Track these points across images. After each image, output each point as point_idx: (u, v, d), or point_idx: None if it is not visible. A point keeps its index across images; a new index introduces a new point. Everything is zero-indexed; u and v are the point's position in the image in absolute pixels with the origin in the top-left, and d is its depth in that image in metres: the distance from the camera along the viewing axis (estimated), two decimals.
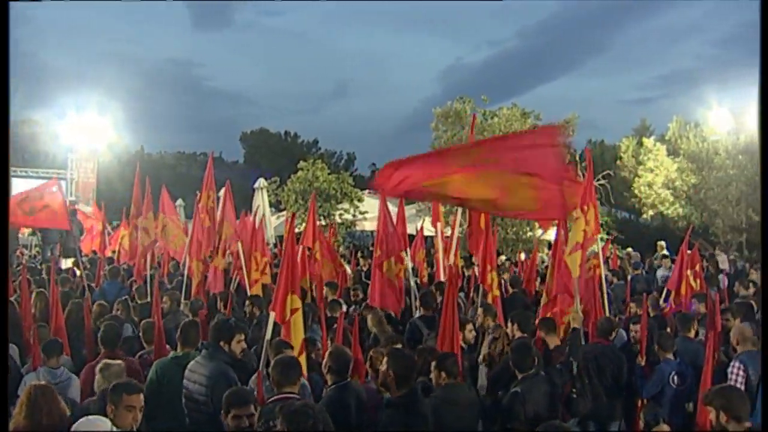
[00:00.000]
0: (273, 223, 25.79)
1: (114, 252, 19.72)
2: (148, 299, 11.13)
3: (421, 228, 16.31)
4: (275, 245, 22.43)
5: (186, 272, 13.65)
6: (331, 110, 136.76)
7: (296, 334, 7.22)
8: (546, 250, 20.14)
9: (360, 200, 28.12)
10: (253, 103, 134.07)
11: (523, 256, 20.80)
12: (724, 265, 18.69)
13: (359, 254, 21.52)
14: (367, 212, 27.08)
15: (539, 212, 8.88)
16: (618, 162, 31.95)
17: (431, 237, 18.75)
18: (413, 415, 5.40)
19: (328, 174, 28.55)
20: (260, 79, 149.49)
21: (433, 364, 6.33)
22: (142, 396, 5.17)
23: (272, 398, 5.51)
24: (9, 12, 6.05)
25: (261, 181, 25.53)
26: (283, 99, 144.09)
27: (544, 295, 9.57)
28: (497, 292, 10.60)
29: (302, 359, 6.99)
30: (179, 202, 24.37)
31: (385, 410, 5.55)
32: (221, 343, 6.44)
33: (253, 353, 7.65)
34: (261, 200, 24.35)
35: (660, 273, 16.76)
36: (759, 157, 9.18)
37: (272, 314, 7.31)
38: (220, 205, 13.61)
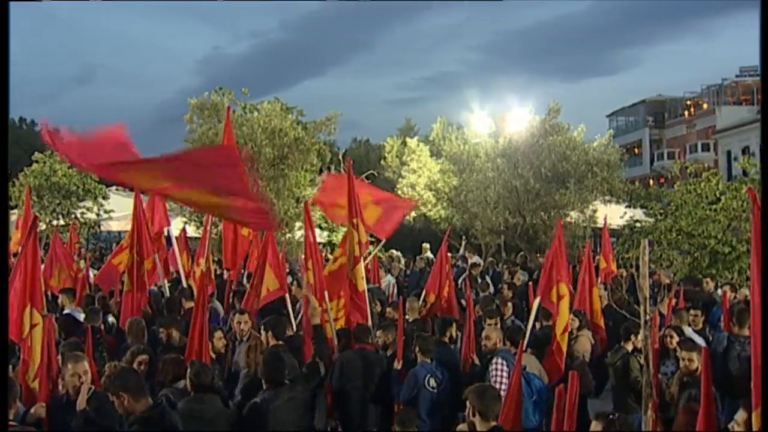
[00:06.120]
0: None
1: None
2: None
3: (183, 230, 16.05)
4: None
5: None
6: (75, 97, 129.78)
7: (34, 354, 6.81)
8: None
9: (105, 198, 26.81)
10: None
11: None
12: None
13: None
14: (114, 211, 25.93)
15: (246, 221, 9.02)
16: (382, 162, 33.08)
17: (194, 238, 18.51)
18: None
19: (69, 168, 26.93)
20: None
21: (188, 374, 6.29)
22: None
23: None
24: (9, 12, 6.21)
25: None
26: (19, 81, 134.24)
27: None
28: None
29: (36, 385, 6.61)
30: None
31: (130, 428, 5.38)
32: None
33: None
34: None
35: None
36: (760, 158, 10.09)
37: None
38: None
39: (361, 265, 9.84)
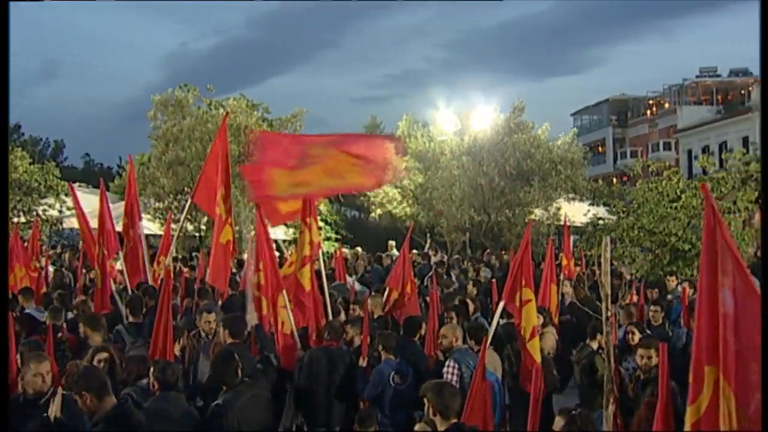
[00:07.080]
0: None
1: None
2: None
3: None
4: None
5: None
6: (37, 92, 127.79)
7: None
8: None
9: (68, 194, 26.44)
10: None
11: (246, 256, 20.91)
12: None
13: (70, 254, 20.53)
14: None
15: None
16: None
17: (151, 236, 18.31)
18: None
19: (30, 164, 26.54)
20: None
21: (153, 372, 6.20)
22: None
23: None
24: (9, 12, 6.24)
25: None
26: None
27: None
28: None
29: None
30: None
31: (95, 427, 5.33)
32: None
33: None
34: None
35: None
36: (760, 156, 10.03)
37: None
38: None
39: (310, 266, 9.66)
